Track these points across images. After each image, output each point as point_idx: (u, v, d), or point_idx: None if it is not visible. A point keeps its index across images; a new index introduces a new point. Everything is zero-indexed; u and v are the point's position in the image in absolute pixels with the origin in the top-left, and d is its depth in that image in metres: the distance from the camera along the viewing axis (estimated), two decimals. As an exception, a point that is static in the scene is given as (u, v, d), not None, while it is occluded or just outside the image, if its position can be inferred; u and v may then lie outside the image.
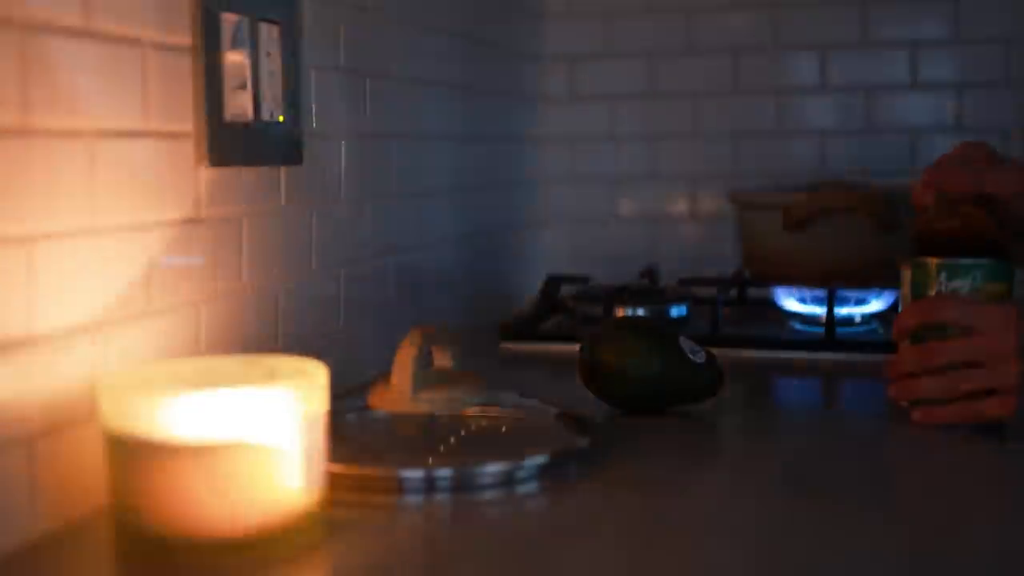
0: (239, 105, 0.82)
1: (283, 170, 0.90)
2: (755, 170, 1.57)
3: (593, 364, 0.93)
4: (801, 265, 1.26)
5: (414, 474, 0.73)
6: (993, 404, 0.85)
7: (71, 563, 0.62)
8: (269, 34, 0.86)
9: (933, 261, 0.87)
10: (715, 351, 0.96)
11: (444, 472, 0.73)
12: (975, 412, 0.86)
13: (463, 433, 0.85)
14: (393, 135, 1.11)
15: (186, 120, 0.77)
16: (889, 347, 1.17)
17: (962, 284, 0.86)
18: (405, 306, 1.14)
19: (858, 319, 1.28)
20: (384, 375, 0.81)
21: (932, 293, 0.88)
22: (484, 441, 0.84)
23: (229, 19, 0.81)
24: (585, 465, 0.78)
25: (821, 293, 1.25)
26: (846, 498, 0.73)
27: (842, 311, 1.27)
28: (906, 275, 0.90)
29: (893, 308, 1.32)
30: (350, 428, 0.85)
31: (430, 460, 0.77)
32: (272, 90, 0.86)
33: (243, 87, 0.83)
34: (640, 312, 1.28)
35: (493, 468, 0.74)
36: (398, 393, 0.78)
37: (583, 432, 0.83)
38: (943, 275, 0.87)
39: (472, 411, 0.88)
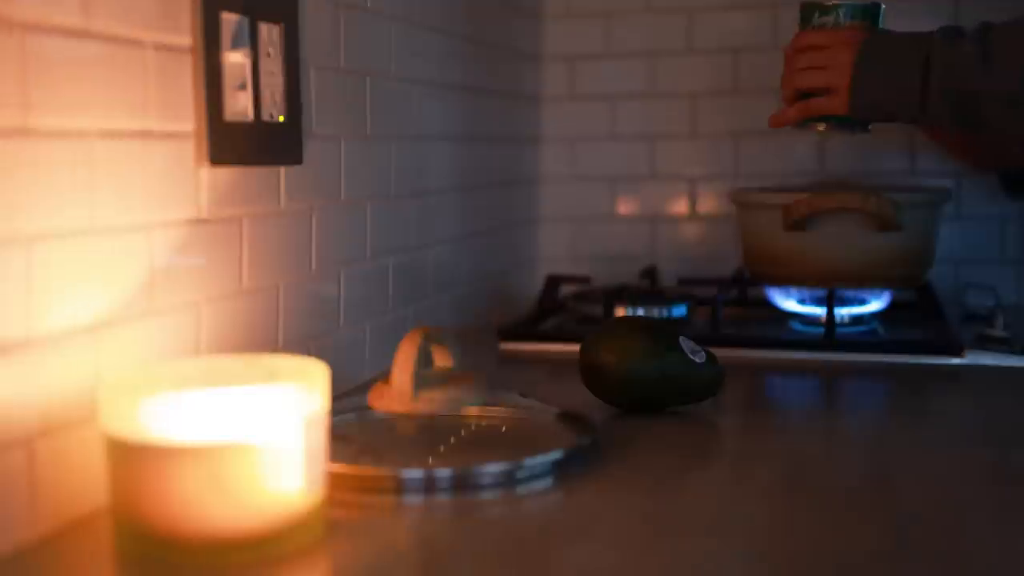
0: (239, 105, 0.82)
1: (283, 170, 0.90)
2: (755, 170, 1.57)
3: (593, 364, 0.93)
4: (801, 265, 1.26)
5: (414, 474, 0.73)
6: (828, 101, 1.11)
7: (71, 563, 0.62)
8: (269, 34, 0.86)
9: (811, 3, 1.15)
10: (715, 351, 0.96)
11: (444, 472, 0.73)
12: (814, 107, 1.12)
13: (463, 433, 0.85)
14: (393, 135, 1.11)
15: (186, 120, 0.77)
16: (888, 347, 1.18)
17: (828, 20, 1.14)
18: (405, 306, 1.14)
19: (858, 319, 1.28)
20: (384, 375, 0.81)
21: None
22: (484, 441, 0.84)
23: (229, 19, 0.81)
24: (585, 465, 0.78)
25: (821, 293, 1.25)
26: (846, 498, 0.73)
27: (842, 311, 1.27)
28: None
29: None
30: (350, 428, 0.85)
31: (430, 460, 0.77)
32: (272, 90, 0.86)
33: (243, 87, 0.83)
34: (640, 312, 1.28)
35: (493, 468, 0.74)
36: (398, 393, 0.78)
37: (583, 432, 0.83)
38: (816, 14, 1.15)
39: (472, 411, 0.88)
